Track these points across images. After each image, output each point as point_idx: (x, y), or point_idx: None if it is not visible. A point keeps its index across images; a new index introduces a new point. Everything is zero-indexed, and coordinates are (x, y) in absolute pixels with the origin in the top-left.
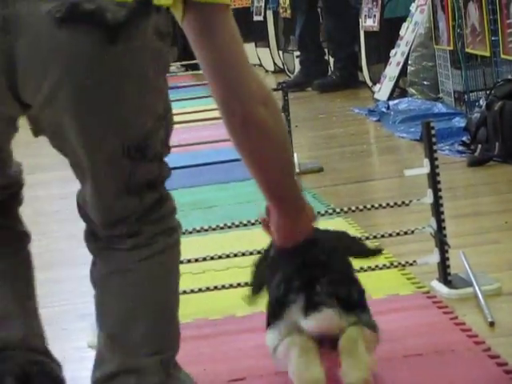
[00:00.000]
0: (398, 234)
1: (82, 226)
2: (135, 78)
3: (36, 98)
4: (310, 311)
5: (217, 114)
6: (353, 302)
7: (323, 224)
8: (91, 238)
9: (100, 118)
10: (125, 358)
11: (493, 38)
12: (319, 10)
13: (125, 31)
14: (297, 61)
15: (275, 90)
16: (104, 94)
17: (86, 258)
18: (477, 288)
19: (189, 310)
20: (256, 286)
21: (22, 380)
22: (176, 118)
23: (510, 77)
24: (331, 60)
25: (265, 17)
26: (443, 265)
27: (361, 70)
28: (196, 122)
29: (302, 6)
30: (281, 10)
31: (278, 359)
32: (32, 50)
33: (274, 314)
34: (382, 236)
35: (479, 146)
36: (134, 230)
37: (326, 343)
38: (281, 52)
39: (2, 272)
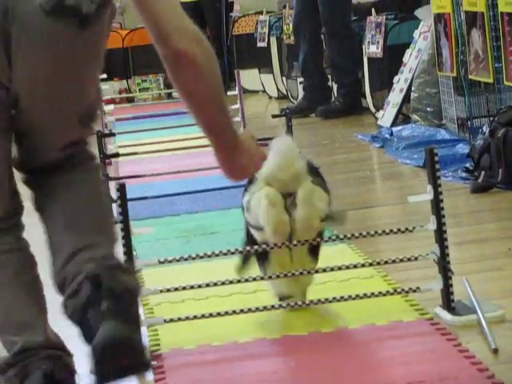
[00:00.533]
0: (401, 261)
1: None
2: (95, 56)
3: (23, 68)
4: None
5: None
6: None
7: (327, 250)
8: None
9: (68, 82)
10: (77, 239)
11: (496, 65)
12: (322, 36)
13: (93, 19)
14: (300, 87)
15: (278, 116)
16: (74, 65)
17: None
18: (480, 315)
19: (192, 335)
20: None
21: (47, 374)
22: (180, 144)
23: None
24: (335, 86)
25: (268, 43)
26: (447, 291)
27: (364, 96)
28: (199, 148)
29: (305, 32)
30: (284, 37)
31: (251, 213)
32: (23, 31)
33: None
34: (386, 262)
35: (482, 172)
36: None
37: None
38: (284, 78)
39: (26, 285)
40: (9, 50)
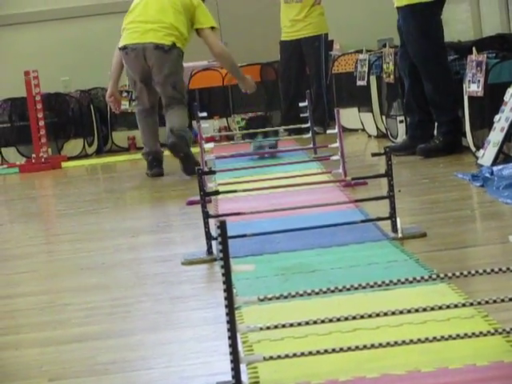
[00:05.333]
0: (502, 301)
1: (184, 288)
2: (174, 64)
3: (152, 69)
4: None
5: (320, 178)
6: None
7: (427, 289)
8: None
9: (164, 74)
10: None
11: None
12: None
13: (169, 50)
14: (400, 126)
15: (378, 154)
16: (166, 67)
17: (188, 321)
18: None
19: (291, 373)
20: None
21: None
22: (278, 182)
23: None
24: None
25: (368, 82)
26: None
27: (464, 135)
28: (297, 187)
29: (406, 70)
30: (384, 75)
31: None
32: (149, 55)
33: None
34: (486, 302)
35: None
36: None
37: None
38: (384, 117)
39: (154, 129)
40: (147, 64)
